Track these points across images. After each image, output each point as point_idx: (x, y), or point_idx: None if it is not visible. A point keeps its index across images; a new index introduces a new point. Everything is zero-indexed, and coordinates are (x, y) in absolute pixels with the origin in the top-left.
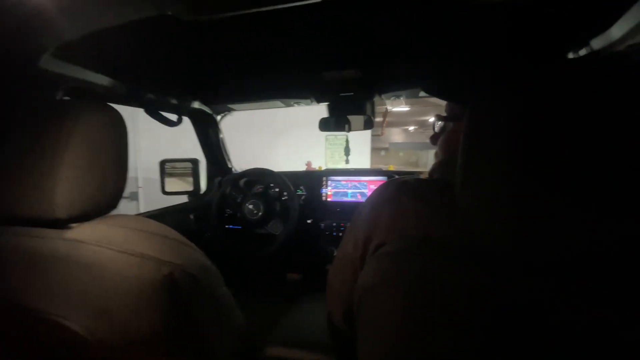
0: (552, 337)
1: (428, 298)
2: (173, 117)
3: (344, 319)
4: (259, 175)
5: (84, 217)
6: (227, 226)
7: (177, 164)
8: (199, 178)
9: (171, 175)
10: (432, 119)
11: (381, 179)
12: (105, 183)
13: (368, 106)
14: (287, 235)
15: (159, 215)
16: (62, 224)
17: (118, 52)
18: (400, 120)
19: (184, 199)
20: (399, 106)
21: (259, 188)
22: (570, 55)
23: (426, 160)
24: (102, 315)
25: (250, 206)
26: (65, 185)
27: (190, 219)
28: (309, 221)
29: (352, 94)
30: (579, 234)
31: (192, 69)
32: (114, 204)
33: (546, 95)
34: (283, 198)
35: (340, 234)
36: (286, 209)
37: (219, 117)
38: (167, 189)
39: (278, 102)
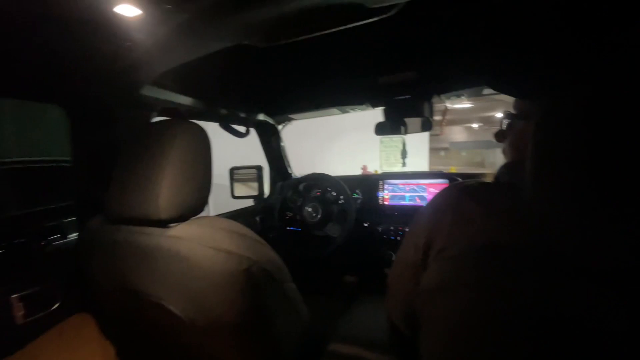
0: (616, 345)
1: (491, 302)
2: (242, 129)
3: (404, 319)
4: (317, 180)
5: (180, 218)
6: (288, 228)
7: (244, 171)
8: (262, 183)
9: (239, 181)
10: (499, 115)
11: (441, 182)
12: (196, 190)
13: (425, 107)
14: (344, 238)
15: (232, 217)
16: (164, 223)
17: (199, 76)
18: (461, 118)
19: (249, 202)
20: (460, 103)
21: (317, 192)
22: None
23: (493, 160)
24: (193, 300)
25: (309, 209)
26: (166, 192)
27: (256, 221)
28: (365, 225)
29: (408, 96)
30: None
31: (259, 85)
32: (202, 207)
33: (631, 95)
34: (340, 202)
35: (398, 238)
36: (343, 212)
37: (280, 127)
38: (236, 194)
39: (335, 110)
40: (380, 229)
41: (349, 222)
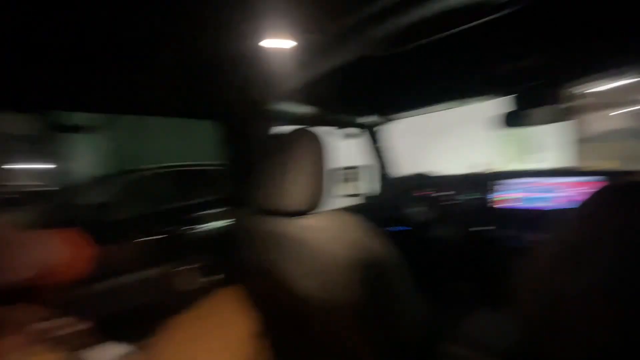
0: None
1: None
2: (353, 130)
3: (537, 327)
4: (427, 179)
5: (309, 210)
6: (395, 228)
7: (353, 170)
8: (370, 182)
9: (346, 180)
10: None
11: (589, 180)
12: (318, 188)
13: (560, 94)
14: (456, 242)
15: None
16: (297, 214)
17: (322, 87)
18: (609, 101)
19: (356, 201)
20: (607, 84)
21: (427, 192)
22: None
23: None
24: (321, 282)
25: (418, 209)
26: (297, 188)
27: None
28: (481, 228)
29: (541, 82)
30: None
31: (372, 89)
32: (321, 202)
33: None
34: (452, 202)
35: (523, 246)
36: (455, 214)
37: (387, 127)
38: (343, 192)
39: (451, 104)
40: (499, 234)
41: (462, 224)
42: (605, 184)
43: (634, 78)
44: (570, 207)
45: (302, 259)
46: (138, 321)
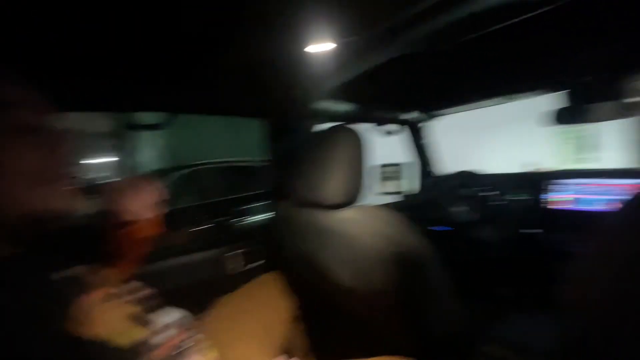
0: None
1: None
2: (394, 127)
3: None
4: (467, 178)
5: (347, 203)
6: (436, 227)
7: (392, 168)
8: (411, 180)
9: (386, 177)
10: None
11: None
12: (356, 182)
13: (625, 87)
14: (500, 244)
15: None
16: (335, 207)
17: (362, 85)
18: None
19: (396, 198)
20: None
21: (470, 190)
22: None
23: None
24: (355, 272)
25: (460, 209)
26: (335, 183)
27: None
28: (529, 230)
29: (603, 74)
30: None
31: (415, 85)
32: (359, 197)
33: None
34: (495, 202)
35: (575, 251)
36: (500, 215)
37: (430, 123)
38: (383, 190)
39: (499, 99)
40: (545, 237)
41: (507, 226)
42: None
43: None
44: (618, 210)
45: (339, 250)
46: (193, 297)
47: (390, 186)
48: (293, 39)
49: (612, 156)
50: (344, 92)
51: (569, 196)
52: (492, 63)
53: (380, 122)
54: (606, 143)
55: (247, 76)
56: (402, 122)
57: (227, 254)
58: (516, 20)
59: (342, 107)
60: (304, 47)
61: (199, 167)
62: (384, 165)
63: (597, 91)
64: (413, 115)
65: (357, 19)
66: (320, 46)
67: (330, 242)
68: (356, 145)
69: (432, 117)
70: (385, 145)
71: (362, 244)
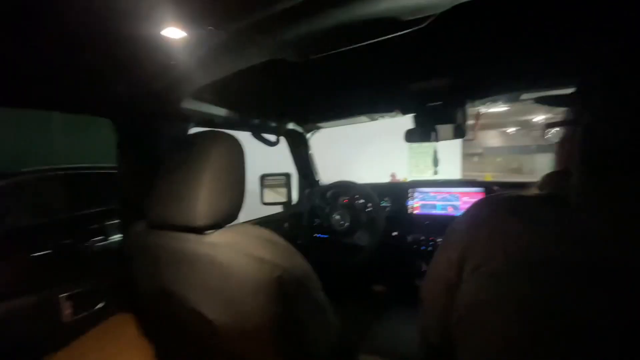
0: None
1: (537, 319)
2: (272, 137)
3: (439, 335)
4: (345, 187)
5: (216, 225)
6: (316, 235)
7: (273, 178)
8: (291, 190)
9: (268, 187)
10: (537, 119)
11: (477, 191)
12: (230, 198)
13: (459, 114)
14: (373, 247)
15: (261, 224)
16: (201, 230)
17: (234, 88)
18: (496, 122)
19: (278, 209)
20: (495, 106)
21: (345, 199)
22: None
23: (532, 167)
24: (227, 305)
25: (337, 217)
26: (203, 200)
27: (284, 228)
28: (394, 234)
29: (440, 103)
30: None
31: (290, 95)
32: (236, 215)
33: None
34: (368, 210)
35: (429, 249)
36: (372, 221)
37: (309, 135)
38: (265, 200)
39: (363, 117)
40: (409, 238)
41: (378, 230)
42: (483, 194)
43: (512, 103)
44: (460, 214)
45: (207, 281)
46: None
47: (272, 196)
48: (148, 21)
49: (450, 169)
50: (217, 93)
51: (426, 202)
52: (354, 82)
53: (259, 130)
54: (448, 157)
55: (86, 63)
56: (282, 132)
57: (64, 294)
58: (372, 41)
59: (216, 111)
60: (162, 32)
61: (29, 175)
62: (266, 176)
63: (437, 116)
64: (292, 126)
65: (215, 8)
66: (180, 33)
67: (196, 272)
68: (233, 154)
69: (312, 129)
70: (266, 155)
71: (234, 271)
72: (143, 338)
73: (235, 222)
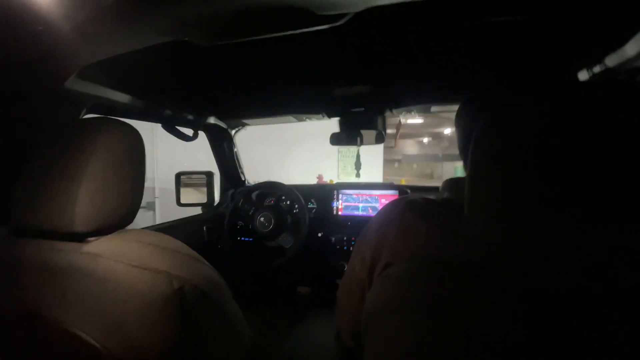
0: None
1: (435, 322)
2: (189, 131)
3: (352, 338)
4: (271, 188)
5: (101, 231)
6: (239, 238)
7: (193, 177)
8: (213, 190)
9: (187, 187)
10: (446, 131)
11: (392, 194)
12: (122, 198)
13: (379, 121)
14: (298, 249)
15: (174, 227)
16: (80, 237)
17: (138, 71)
18: (414, 132)
19: (198, 210)
20: (412, 118)
21: (270, 201)
22: (585, 72)
23: (441, 173)
24: (115, 327)
25: (262, 219)
26: (84, 200)
27: (203, 231)
28: (319, 235)
29: (362, 109)
30: (588, 260)
31: (207, 86)
32: (130, 219)
33: (560, 115)
34: (294, 211)
35: (351, 248)
36: (297, 222)
37: (233, 132)
38: (183, 201)
39: (290, 117)
40: (333, 239)
41: (303, 232)
42: (397, 196)
43: (435, 112)
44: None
45: (86, 298)
46: None
47: (191, 197)
48: None
49: (374, 173)
50: (115, 77)
51: (349, 204)
52: (280, 79)
53: (173, 122)
54: (373, 161)
55: None
56: (201, 127)
57: None
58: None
59: (115, 96)
60: None
61: None
62: (183, 174)
63: (360, 121)
64: (213, 120)
65: None
66: None
67: (71, 288)
68: (125, 145)
69: (236, 125)
70: (185, 151)
71: (121, 286)
72: None
73: (132, 229)
